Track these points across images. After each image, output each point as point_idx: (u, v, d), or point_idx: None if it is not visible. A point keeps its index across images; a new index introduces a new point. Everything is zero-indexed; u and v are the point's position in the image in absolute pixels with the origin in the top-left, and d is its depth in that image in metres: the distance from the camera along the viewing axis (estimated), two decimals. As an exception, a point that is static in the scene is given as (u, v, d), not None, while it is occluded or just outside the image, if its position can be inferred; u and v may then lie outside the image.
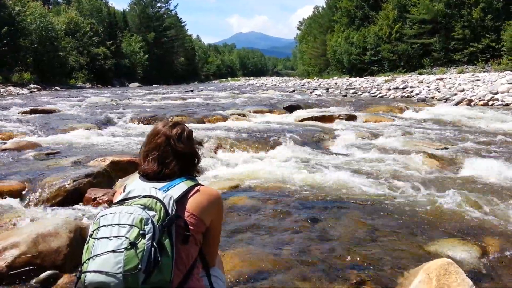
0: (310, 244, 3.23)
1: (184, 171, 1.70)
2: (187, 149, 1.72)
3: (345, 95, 20.84)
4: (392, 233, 3.43)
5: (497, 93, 14.58)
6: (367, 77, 37.19)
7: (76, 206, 4.21)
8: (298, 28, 79.99)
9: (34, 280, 2.63)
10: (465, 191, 4.41)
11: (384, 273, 2.74)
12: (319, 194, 4.51)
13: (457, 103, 14.34)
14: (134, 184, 1.63)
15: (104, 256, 1.31)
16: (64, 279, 2.69)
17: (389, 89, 21.36)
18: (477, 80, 19.82)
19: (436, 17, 34.78)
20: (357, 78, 37.36)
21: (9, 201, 4.25)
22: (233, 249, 3.12)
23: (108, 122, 10.24)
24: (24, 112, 11.81)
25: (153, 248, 1.33)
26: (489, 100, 14.19)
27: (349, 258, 2.97)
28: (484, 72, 26.42)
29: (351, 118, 10.71)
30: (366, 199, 4.30)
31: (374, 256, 3.00)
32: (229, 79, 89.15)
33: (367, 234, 3.41)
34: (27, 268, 2.65)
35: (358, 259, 2.95)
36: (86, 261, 1.33)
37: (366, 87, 24.96)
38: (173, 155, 1.68)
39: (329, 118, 10.54)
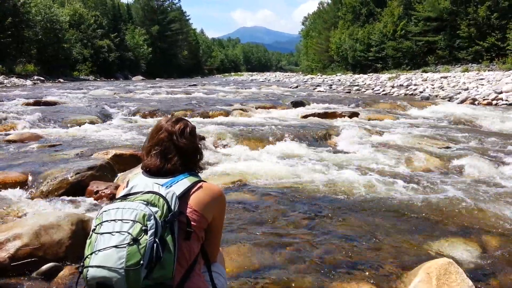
0: (310, 241, 3.23)
1: (186, 167, 1.70)
2: (189, 145, 1.73)
3: (349, 92, 20.77)
4: (392, 231, 3.43)
5: (501, 92, 14.49)
6: (371, 74, 37.10)
7: (78, 198, 4.23)
8: (303, 24, 79.68)
9: (36, 272, 2.65)
10: (467, 191, 4.41)
11: (384, 272, 2.75)
12: (320, 191, 4.52)
13: (461, 102, 14.26)
14: (137, 180, 1.63)
15: (107, 251, 1.31)
16: (66, 271, 2.71)
17: (393, 87, 21.28)
18: (481, 79, 19.71)
19: (442, 15, 34.56)
20: (361, 75, 37.25)
21: (11, 192, 4.27)
22: (235, 245, 3.13)
23: (111, 115, 10.26)
24: (28, 104, 11.83)
25: (155, 244, 1.34)
26: (493, 100, 14.10)
27: (349, 256, 2.98)
28: (489, 71, 26.25)
29: (354, 115, 10.69)
30: (366, 197, 4.31)
31: (374, 254, 3.00)
32: (233, 74, 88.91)
33: (367, 232, 3.41)
34: (29, 259, 2.67)
35: (358, 257, 2.96)
36: (89, 256, 1.34)
37: (369, 84, 24.87)
38: (175, 150, 1.69)
39: (332, 115, 10.53)
